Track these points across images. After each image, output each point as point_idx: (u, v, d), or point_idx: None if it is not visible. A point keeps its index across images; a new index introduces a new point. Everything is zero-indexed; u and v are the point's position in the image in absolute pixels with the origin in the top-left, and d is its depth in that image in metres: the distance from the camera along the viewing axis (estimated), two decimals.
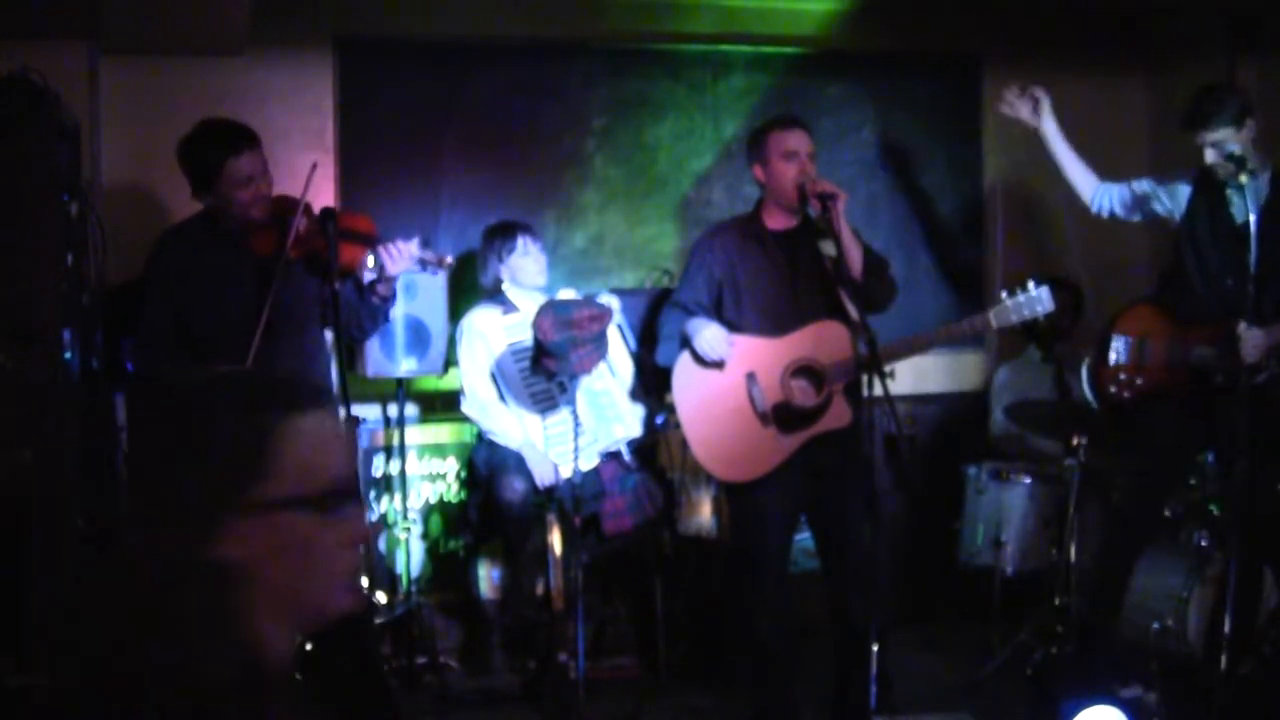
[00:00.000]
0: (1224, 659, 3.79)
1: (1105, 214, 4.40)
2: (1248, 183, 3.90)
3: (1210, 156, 3.96)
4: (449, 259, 3.81)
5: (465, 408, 4.60)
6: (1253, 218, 3.72)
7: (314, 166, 3.62)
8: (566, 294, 4.54)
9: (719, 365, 3.84)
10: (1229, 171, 3.85)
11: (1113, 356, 4.06)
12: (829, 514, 3.86)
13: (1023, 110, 4.43)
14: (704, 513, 4.74)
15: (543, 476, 4.42)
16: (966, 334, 3.84)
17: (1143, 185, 4.30)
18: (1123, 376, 4.04)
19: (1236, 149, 3.88)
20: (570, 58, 5.37)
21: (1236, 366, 3.84)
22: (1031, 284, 3.76)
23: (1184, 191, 4.16)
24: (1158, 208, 4.27)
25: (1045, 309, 3.75)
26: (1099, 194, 4.39)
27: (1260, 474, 3.85)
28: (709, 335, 3.82)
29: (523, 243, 4.61)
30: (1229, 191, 4.00)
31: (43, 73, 3.86)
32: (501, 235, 4.64)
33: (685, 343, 3.90)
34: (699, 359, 3.86)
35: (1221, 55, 5.53)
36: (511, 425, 4.51)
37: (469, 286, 4.93)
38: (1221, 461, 4.31)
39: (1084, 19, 5.76)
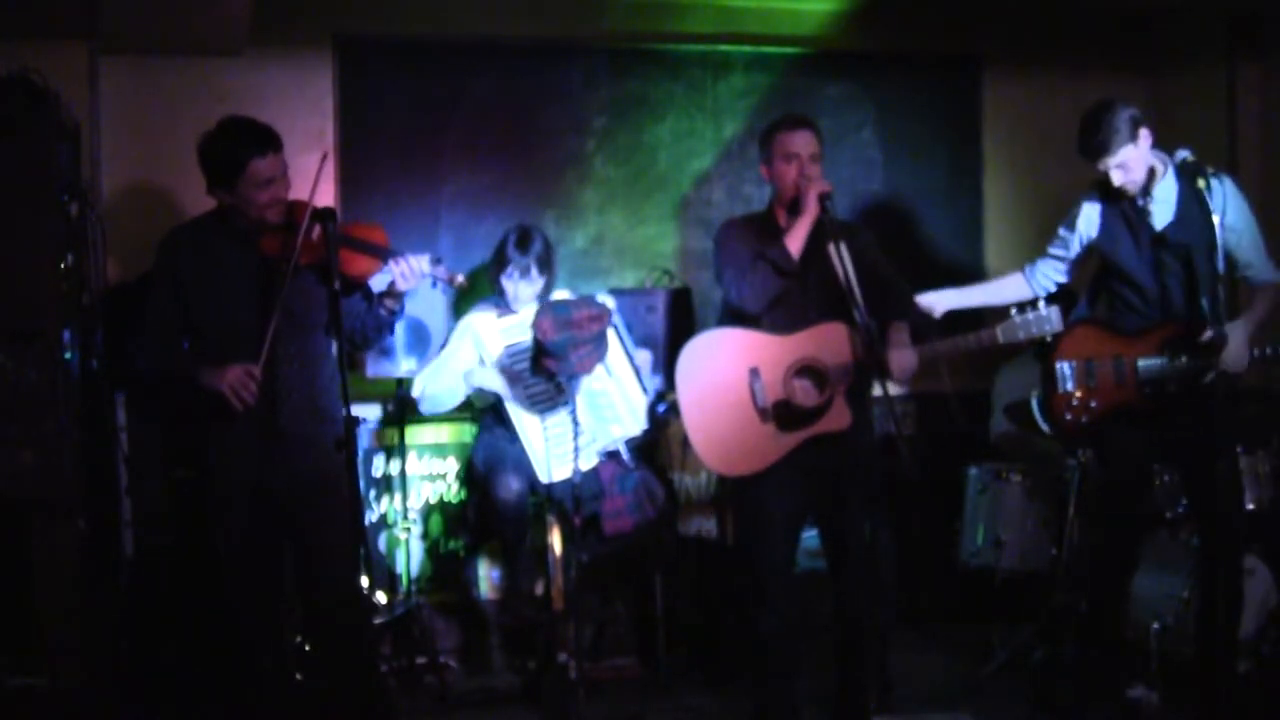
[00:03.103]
0: (1217, 658, 3.79)
1: (1055, 288, 4.26)
2: (1160, 191, 3.89)
3: (1117, 179, 3.90)
4: (460, 278, 3.80)
5: (415, 380, 4.56)
6: (1216, 219, 3.68)
7: (324, 157, 3.60)
8: (561, 295, 4.53)
9: (724, 359, 3.82)
10: (1202, 174, 3.77)
11: (1061, 385, 4.00)
12: (832, 515, 3.86)
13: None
14: (704, 513, 4.74)
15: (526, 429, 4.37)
16: (972, 348, 3.81)
17: (1061, 241, 4.20)
18: (1075, 402, 3.99)
19: (1187, 155, 3.86)
20: (570, 58, 5.37)
21: (1188, 371, 3.83)
22: (1042, 303, 3.75)
23: (1093, 211, 4.08)
24: (1085, 238, 4.14)
25: (1053, 328, 3.73)
26: (1033, 282, 4.26)
27: (1224, 471, 3.84)
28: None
29: (514, 273, 4.51)
30: (1141, 202, 3.96)
31: (43, 73, 3.86)
32: (501, 252, 4.57)
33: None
34: (702, 357, 3.85)
35: (1221, 55, 5.53)
36: (452, 381, 4.48)
37: (469, 288, 4.92)
38: (1178, 468, 4.29)
39: (1084, 19, 5.76)
